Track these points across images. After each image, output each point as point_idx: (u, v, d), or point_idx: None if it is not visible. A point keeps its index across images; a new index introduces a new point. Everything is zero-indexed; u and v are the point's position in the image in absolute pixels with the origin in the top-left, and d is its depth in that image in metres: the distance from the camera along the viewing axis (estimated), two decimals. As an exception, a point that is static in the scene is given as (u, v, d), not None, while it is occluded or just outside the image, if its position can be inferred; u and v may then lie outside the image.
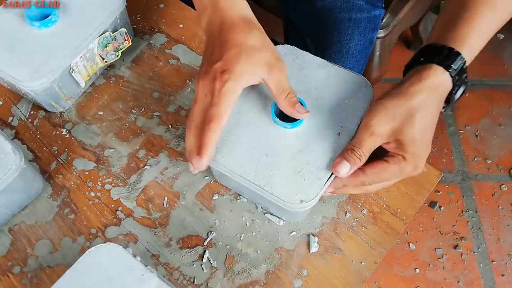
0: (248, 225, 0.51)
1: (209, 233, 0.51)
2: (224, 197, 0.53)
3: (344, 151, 0.43)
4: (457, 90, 0.43)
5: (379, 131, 0.41)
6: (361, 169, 0.42)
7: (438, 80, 0.41)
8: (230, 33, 0.43)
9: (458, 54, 0.42)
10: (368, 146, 0.41)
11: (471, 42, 0.43)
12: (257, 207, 0.52)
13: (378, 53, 0.91)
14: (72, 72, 0.55)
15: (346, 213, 0.52)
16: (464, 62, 0.42)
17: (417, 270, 1.08)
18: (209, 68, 0.43)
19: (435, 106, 0.42)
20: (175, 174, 0.54)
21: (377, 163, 0.42)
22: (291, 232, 0.51)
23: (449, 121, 1.28)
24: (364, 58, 0.74)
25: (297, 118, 0.45)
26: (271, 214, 0.52)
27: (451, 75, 0.41)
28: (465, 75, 0.43)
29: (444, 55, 0.42)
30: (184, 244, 0.51)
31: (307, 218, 0.51)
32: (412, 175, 0.43)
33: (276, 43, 0.49)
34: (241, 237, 0.51)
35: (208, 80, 0.42)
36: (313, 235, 0.50)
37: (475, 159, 1.22)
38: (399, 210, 0.52)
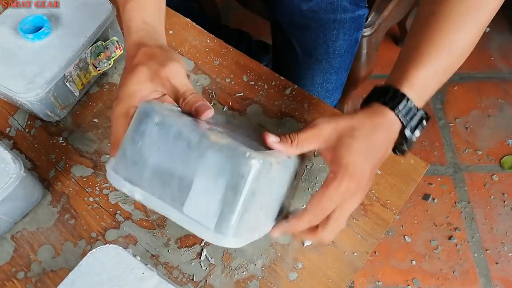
0: (243, 222, 0.53)
1: (206, 232, 0.53)
2: (219, 196, 0.55)
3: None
4: (413, 128, 0.44)
5: (322, 123, 0.41)
6: (303, 209, 0.41)
7: (386, 119, 0.42)
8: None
9: (404, 95, 0.42)
10: (305, 134, 0.41)
11: (417, 83, 0.43)
12: (251, 205, 0.54)
13: (365, 51, 0.93)
14: (66, 82, 0.57)
15: (337, 207, 0.53)
16: (411, 103, 0.43)
17: (414, 262, 1.10)
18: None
19: (380, 136, 0.42)
20: (170, 176, 0.56)
21: (315, 194, 0.40)
22: (285, 227, 0.53)
23: (439, 115, 1.30)
24: (350, 57, 0.76)
25: None
26: (265, 210, 0.53)
27: (397, 114, 0.42)
28: (419, 114, 0.44)
29: (390, 96, 0.43)
30: (182, 244, 0.52)
31: (300, 213, 0.53)
32: (359, 198, 0.41)
33: (264, 44, 0.51)
34: (237, 234, 0.52)
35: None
36: (307, 229, 0.52)
37: (466, 150, 1.24)
38: (388, 201, 0.54)
